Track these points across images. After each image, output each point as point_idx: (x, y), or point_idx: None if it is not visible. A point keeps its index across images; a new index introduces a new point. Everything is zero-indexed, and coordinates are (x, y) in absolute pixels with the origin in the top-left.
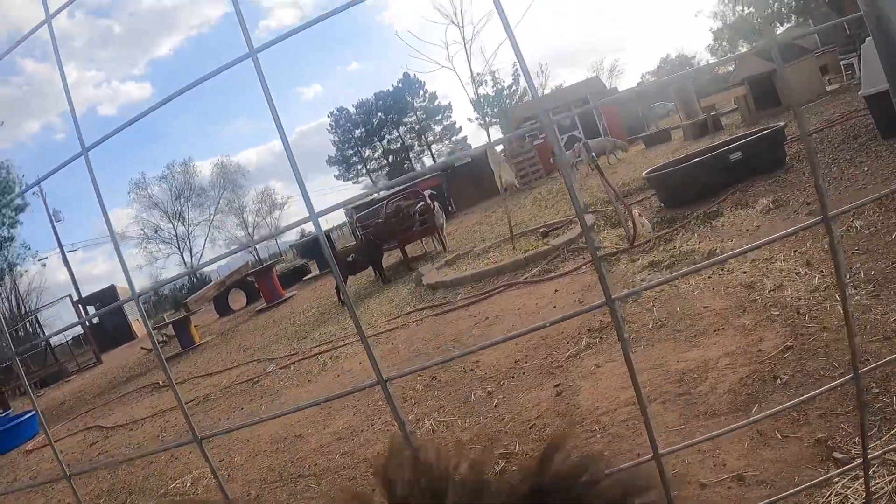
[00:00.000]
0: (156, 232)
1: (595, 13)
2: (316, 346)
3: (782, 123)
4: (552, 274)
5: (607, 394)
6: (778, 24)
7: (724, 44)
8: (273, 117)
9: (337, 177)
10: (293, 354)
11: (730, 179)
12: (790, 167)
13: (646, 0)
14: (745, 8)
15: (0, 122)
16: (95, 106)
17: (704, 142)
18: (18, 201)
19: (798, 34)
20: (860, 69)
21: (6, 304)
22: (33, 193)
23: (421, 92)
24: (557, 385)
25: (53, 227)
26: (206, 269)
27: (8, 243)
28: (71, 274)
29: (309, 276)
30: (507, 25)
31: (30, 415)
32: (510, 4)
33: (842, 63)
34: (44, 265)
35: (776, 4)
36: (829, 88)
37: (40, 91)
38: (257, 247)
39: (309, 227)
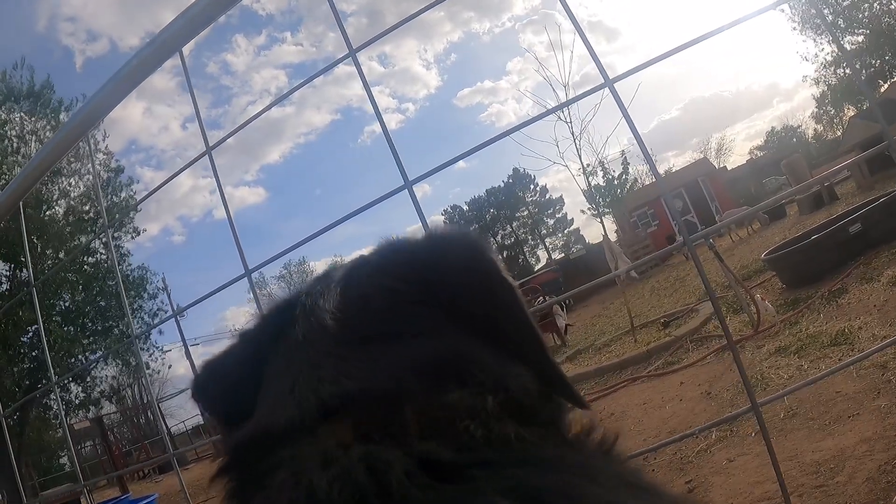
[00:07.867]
0: None
1: (697, 89)
2: None
3: None
4: (676, 366)
5: (741, 489)
6: (881, 83)
7: (829, 109)
8: None
9: None
10: None
11: (852, 252)
12: None
13: (749, 73)
14: (847, 70)
15: (144, 228)
16: (212, 210)
17: (821, 215)
18: (151, 304)
19: None
20: None
21: (131, 394)
22: (160, 289)
23: (532, 186)
24: (689, 482)
25: (178, 324)
26: None
27: (144, 341)
28: (193, 367)
29: None
30: (621, 105)
31: (150, 498)
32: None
33: None
34: (169, 367)
35: (878, 62)
36: None
37: (157, 196)
38: None
39: None
